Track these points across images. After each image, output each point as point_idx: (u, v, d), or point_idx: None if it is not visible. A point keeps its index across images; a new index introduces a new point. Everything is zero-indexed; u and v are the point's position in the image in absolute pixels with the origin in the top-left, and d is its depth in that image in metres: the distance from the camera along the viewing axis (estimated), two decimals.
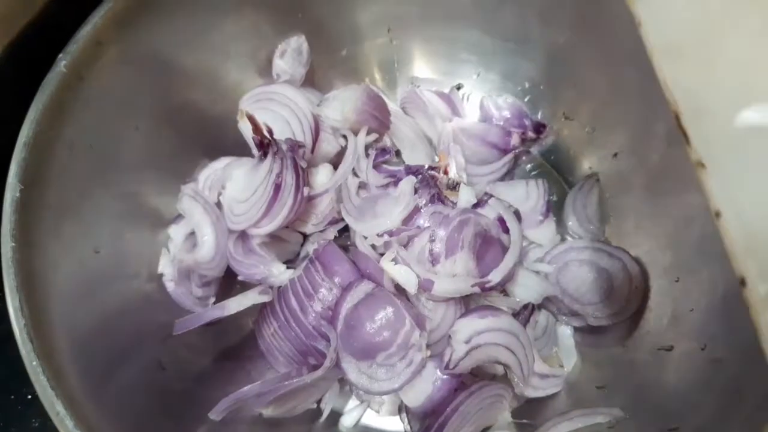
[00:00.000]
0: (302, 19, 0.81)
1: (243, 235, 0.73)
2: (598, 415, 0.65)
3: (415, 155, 0.86)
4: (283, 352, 0.69)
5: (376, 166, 0.79)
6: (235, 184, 0.73)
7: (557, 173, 0.89)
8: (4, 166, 0.55)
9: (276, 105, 0.77)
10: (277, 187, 0.67)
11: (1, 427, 0.72)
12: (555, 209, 0.84)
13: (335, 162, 0.80)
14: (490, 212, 0.73)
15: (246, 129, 0.73)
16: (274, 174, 0.67)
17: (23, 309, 0.51)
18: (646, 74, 0.42)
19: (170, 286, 0.73)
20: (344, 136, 0.81)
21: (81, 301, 0.58)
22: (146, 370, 0.63)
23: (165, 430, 0.60)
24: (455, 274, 0.67)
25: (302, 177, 0.69)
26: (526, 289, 0.73)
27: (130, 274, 0.69)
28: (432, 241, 0.68)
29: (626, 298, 0.73)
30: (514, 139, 0.86)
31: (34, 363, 0.49)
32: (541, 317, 0.76)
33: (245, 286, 0.73)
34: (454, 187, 0.73)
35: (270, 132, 0.68)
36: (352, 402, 0.74)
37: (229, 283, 0.77)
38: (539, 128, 0.88)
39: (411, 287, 0.65)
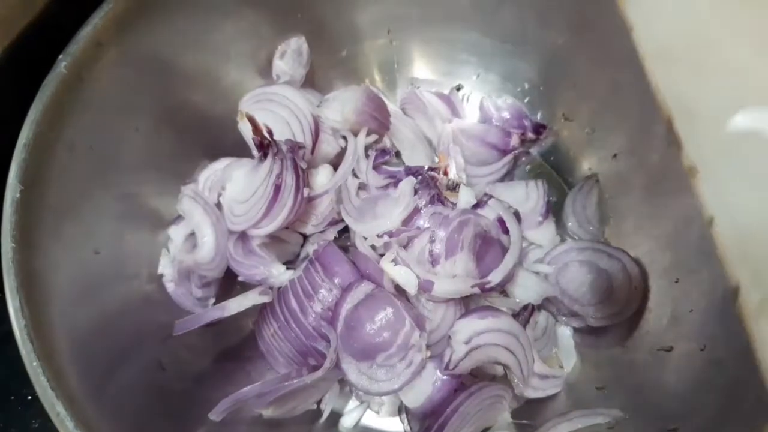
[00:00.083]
0: (302, 20, 0.81)
1: (243, 236, 0.73)
2: (597, 415, 0.65)
3: (414, 156, 0.86)
4: (283, 352, 0.69)
5: (375, 167, 0.79)
6: (235, 185, 0.73)
7: (557, 174, 0.89)
8: (5, 167, 0.55)
9: (276, 106, 0.77)
10: (277, 188, 0.67)
11: (1, 428, 0.72)
12: (555, 210, 0.84)
13: (335, 163, 0.80)
14: (489, 213, 0.73)
15: (246, 130, 0.73)
16: (274, 175, 0.67)
17: (23, 309, 0.51)
18: (645, 75, 0.41)
19: (170, 286, 0.73)
20: (344, 137, 0.81)
21: (81, 302, 0.58)
22: (146, 371, 0.63)
23: (165, 431, 0.60)
24: (455, 275, 0.67)
25: (302, 178, 0.69)
26: (526, 290, 0.73)
27: (130, 274, 0.69)
28: (432, 241, 0.68)
29: (626, 298, 0.73)
30: (514, 140, 0.86)
31: (35, 363, 0.49)
32: (541, 318, 0.76)
33: (245, 286, 0.74)
34: (453, 187, 0.73)
35: (270, 133, 0.68)
36: (352, 403, 0.74)
37: (229, 283, 0.77)
38: (539, 129, 0.88)
39: (411, 288, 0.66)
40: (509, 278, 0.69)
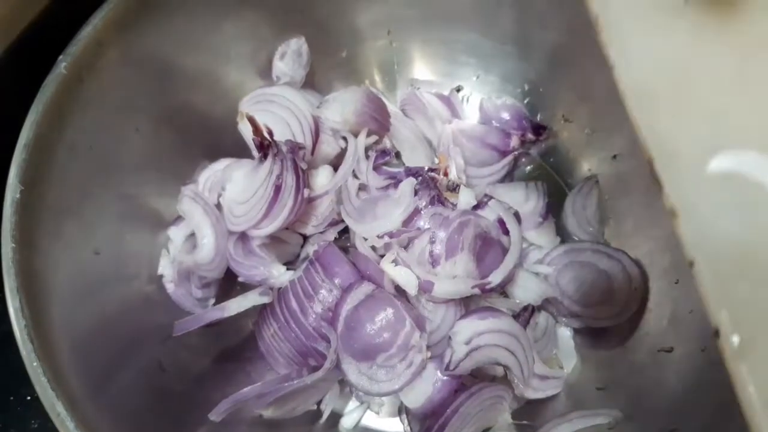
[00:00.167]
0: (302, 20, 0.81)
1: (243, 237, 0.73)
2: (598, 416, 0.65)
3: (414, 157, 0.86)
4: (283, 353, 0.69)
5: (376, 168, 0.79)
6: (235, 186, 0.73)
7: (556, 175, 0.89)
8: (5, 167, 0.55)
9: (276, 107, 0.77)
10: (278, 189, 0.67)
11: (1, 428, 0.72)
12: (554, 211, 0.84)
13: (335, 164, 0.80)
14: (489, 214, 0.73)
15: (246, 130, 0.73)
16: (274, 175, 0.67)
17: (24, 310, 0.51)
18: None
19: (170, 287, 0.73)
20: (344, 138, 0.81)
21: (81, 302, 0.58)
22: (146, 371, 0.63)
23: (165, 431, 0.60)
24: (455, 276, 0.67)
25: (302, 178, 0.69)
26: (526, 291, 0.73)
27: (130, 275, 0.69)
28: (432, 242, 0.68)
29: (626, 299, 0.73)
30: (514, 141, 0.87)
31: (35, 364, 0.49)
32: (541, 319, 0.76)
33: (245, 287, 0.73)
34: (454, 188, 0.73)
35: (270, 133, 0.68)
36: (352, 403, 0.74)
37: (229, 284, 0.77)
38: (539, 130, 0.88)
39: (411, 289, 0.66)
40: (509, 279, 0.69)
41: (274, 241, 0.75)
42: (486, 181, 0.86)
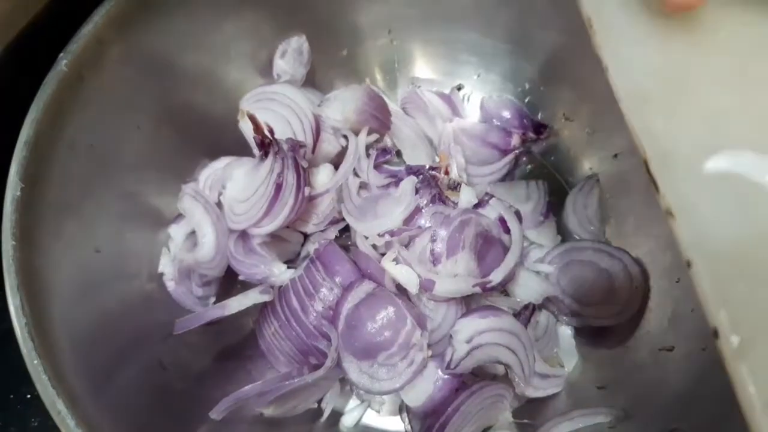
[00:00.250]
0: (303, 19, 0.81)
1: (243, 235, 0.73)
2: (598, 415, 0.65)
3: (415, 155, 0.86)
4: (284, 351, 0.69)
5: (377, 166, 0.79)
6: (236, 184, 0.73)
7: (557, 174, 0.89)
8: (5, 165, 0.54)
9: (277, 105, 0.76)
10: (278, 187, 0.67)
11: (1, 427, 0.72)
12: (555, 210, 0.84)
13: (336, 162, 0.80)
14: (491, 212, 0.72)
15: (247, 129, 0.73)
16: (275, 174, 0.67)
17: (24, 308, 0.50)
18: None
19: (171, 285, 0.73)
20: (345, 137, 0.81)
21: (81, 300, 0.58)
22: (147, 370, 0.63)
23: (166, 430, 0.60)
24: (456, 274, 0.67)
25: (303, 177, 0.69)
26: (527, 290, 0.73)
27: (130, 273, 0.69)
28: (433, 241, 0.68)
29: (627, 298, 0.73)
30: (515, 140, 0.86)
31: (36, 362, 0.49)
32: (542, 317, 0.76)
33: (246, 285, 0.73)
34: (455, 187, 0.73)
35: (271, 132, 0.68)
36: (353, 402, 0.74)
37: (229, 282, 0.77)
38: (540, 129, 0.88)
39: (412, 287, 0.66)
40: (510, 278, 0.69)
41: (274, 239, 0.75)
42: (487, 180, 0.86)
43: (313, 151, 0.78)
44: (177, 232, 0.75)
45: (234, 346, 0.75)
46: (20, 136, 0.55)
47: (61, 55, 0.59)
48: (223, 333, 0.74)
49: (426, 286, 0.65)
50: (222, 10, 0.73)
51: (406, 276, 0.66)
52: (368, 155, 0.79)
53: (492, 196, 0.74)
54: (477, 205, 0.73)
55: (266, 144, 0.68)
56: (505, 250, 0.70)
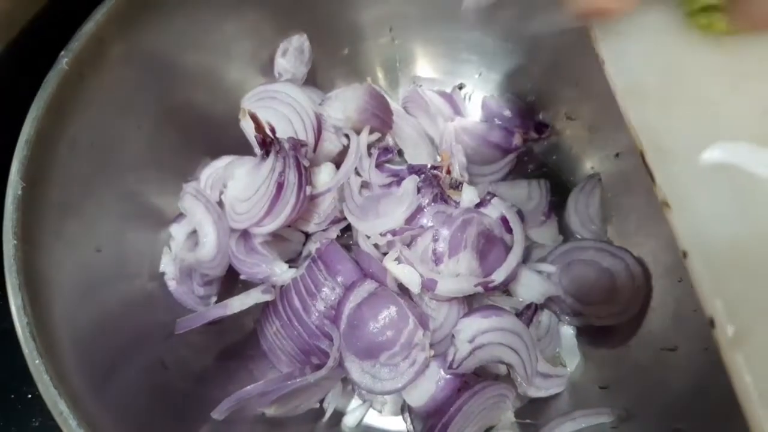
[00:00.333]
0: (304, 18, 0.81)
1: (245, 234, 0.72)
2: (601, 415, 0.65)
3: (417, 154, 0.86)
4: (286, 351, 0.69)
5: (378, 166, 0.78)
6: (237, 183, 0.72)
7: (559, 173, 0.89)
8: (6, 164, 0.54)
9: (278, 103, 0.76)
10: (280, 186, 0.67)
11: (1, 427, 0.72)
12: (557, 209, 0.84)
13: (337, 161, 0.80)
14: (492, 212, 0.72)
15: (248, 127, 0.73)
16: (276, 173, 0.67)
17: (26, 307, 0.50)
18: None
19: (172, 284, 0.73)
20: (346, 135, 0.80)
21: (83, 300, 0.58)
22: (148, 370, 0.63)
23: (167, 430, 0.60)
24: (458, 274, 0.66)
25: (305, 176, 0.69)
26: (529, 289, 0.73)
27: (131, 272, 0.68)
28: (435, 240, 0.67)
29: (629, 298, 0.73)
30: (516, 139, 0.86)
31: (37, 362, 0.49)
32: (544, 317, 0.76)
33: (247, 285, 0.73)
34: (457, 186, 0.73)
35: (272, 130, 0.68)
36: (355, 401, 0.74)
37: (231, 282, 0.77)
38: (541, 128, 0.88)
39: (414, 287, 0.65)
40: (512, 277, 0.69)
41: (276, 238, 0.75)
42: (489, 179, 0.86)
43: (315, 150, 0.77)
44: (178, 231, 0.74)
45: (236, 345, 0.75)
46: (21, 134, 0.55)
47: (62, 53, 0.58)
48: (225, 333, 0.74)
49: (428, 286, 0.65)
50: (223, 9, 0.73)
51: (408, 275, 0.66)
52: (370, 154, 0.79)
53: (494, 196, 0.74)
54: (479, 205, 0.73)
55: (268, 143, 0.68)
56: (507, 249, 0.70)
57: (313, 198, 0.74)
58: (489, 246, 0.70)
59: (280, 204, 0.68)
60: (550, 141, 0.90)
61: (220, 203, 0.74)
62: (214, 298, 0.76)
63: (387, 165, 0.80)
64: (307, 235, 0.80)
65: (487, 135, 0.86)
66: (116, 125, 0.66)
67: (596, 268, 0.75)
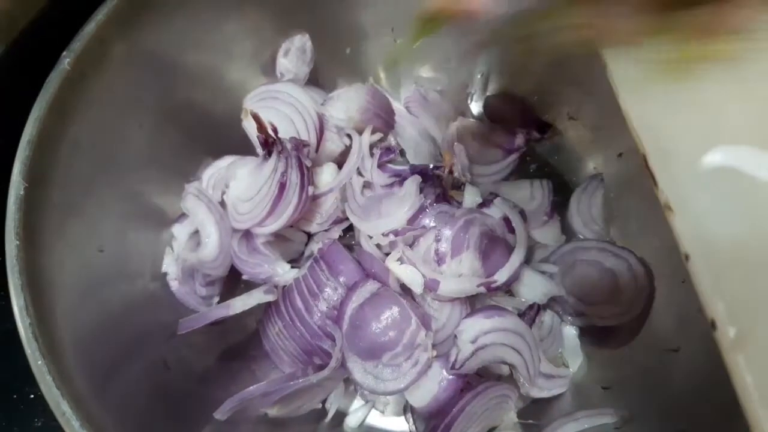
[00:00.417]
0: (306, 18, 0.81)
1: (247, 234, 0.72)
2: (604, 415, 0.65)
3: (419, 155, 0.86)
4: (288, 351, 0.69)
5: (380, 166, 0.78)
6: (239, 183, 0.73)
7: (562, 173, 0.89)
8: (8, 164, 0.54)
9: (280, 104, 0.76)
10: (282, 186, 0.67)
11: (4, 427, 0.72)
12: (560, 209, 0.84)
13: (340, 161, 0.80)
14: (495, 212, 0.72)
15: (250, 128, 0.73)
16: (278, 173, 0.67)
17: (28, 308, 0.50)
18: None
19: (174, 285, 0.73)
20: (349, 136, 0.80)
21: (85, 300, 0.58)
22: (151, 370, 0.63)
23: (170, 430, 0.60)
24: (461, 274, 0.66)
25: (307, 176, 0.69)
26: (532, 290, 0.73)
27: (134, 273, 0.69)
28: (438, 240, 0.67)
29: (631, 298, 0.72)
30: (519, 139, 0.86)
31: (40, 362, 0.49)
32: (547, 317, 0.75)
33: (249, 285, 0.73)
34: (459, 186, 0.73)
35: (275, 130, 0.68)
36: (357, 402, 0.74)
37: (233, 282, 0.77)
38: (544, 128, 0.88)
39: (416, 287, 0.65)
40: (515, 277, 0.69)
41: (278, 238, 0.75)
42: (491, 180, 0.86)
43: (317, 150, 0.77)
44: (180, 231, 0.75)
45: (238, 346, 0.74)
46: (23, 135, 0.55)
47: (64, 53, 0.58)
48: (227, 333, 0.74)
49: (430, 286, 0.65)
50: (224, 9, 0.72)
51: (411, 276, 0.65)
52: (372, 154, 0.79)
53: (496, 196, 0.74)
54: (481, 205, 0.72)
55: (270, 143, 0.68)
56: (510, 249, 0.70)
57: (315, 198, 0.74)
58: (491, 246, 0.70)
59: (283, 204, 0.68)
60: (553, 141, 0.89)
61: (223, 203, 0.74)
62: (217, 299, 0.76)
63: (389, 165, 0.80)
64: (310, 236, 0.80)
65: (489, 135, 0.86)
66: (118, 125, 0.66)
67: (599, 269, 0.75)
